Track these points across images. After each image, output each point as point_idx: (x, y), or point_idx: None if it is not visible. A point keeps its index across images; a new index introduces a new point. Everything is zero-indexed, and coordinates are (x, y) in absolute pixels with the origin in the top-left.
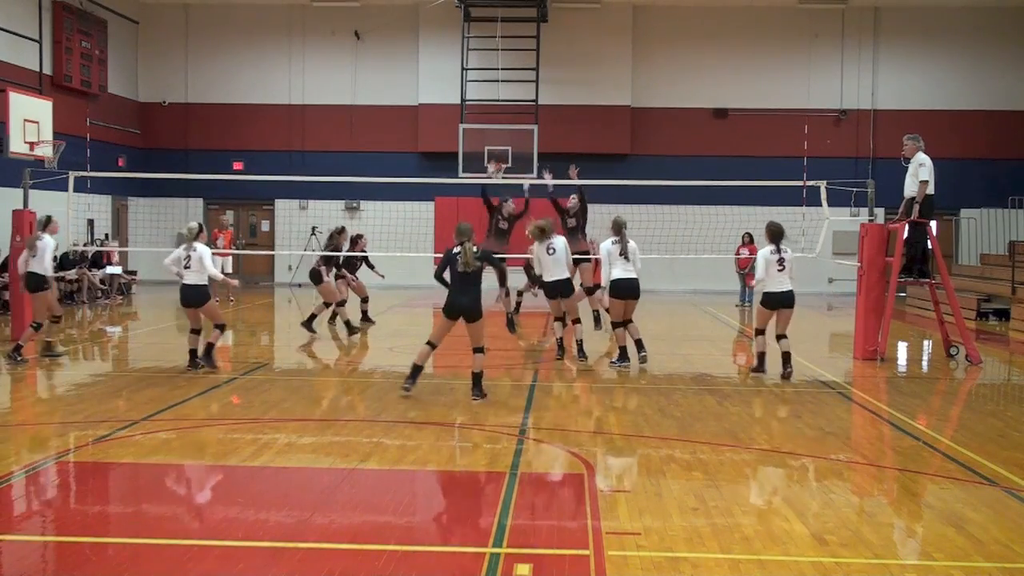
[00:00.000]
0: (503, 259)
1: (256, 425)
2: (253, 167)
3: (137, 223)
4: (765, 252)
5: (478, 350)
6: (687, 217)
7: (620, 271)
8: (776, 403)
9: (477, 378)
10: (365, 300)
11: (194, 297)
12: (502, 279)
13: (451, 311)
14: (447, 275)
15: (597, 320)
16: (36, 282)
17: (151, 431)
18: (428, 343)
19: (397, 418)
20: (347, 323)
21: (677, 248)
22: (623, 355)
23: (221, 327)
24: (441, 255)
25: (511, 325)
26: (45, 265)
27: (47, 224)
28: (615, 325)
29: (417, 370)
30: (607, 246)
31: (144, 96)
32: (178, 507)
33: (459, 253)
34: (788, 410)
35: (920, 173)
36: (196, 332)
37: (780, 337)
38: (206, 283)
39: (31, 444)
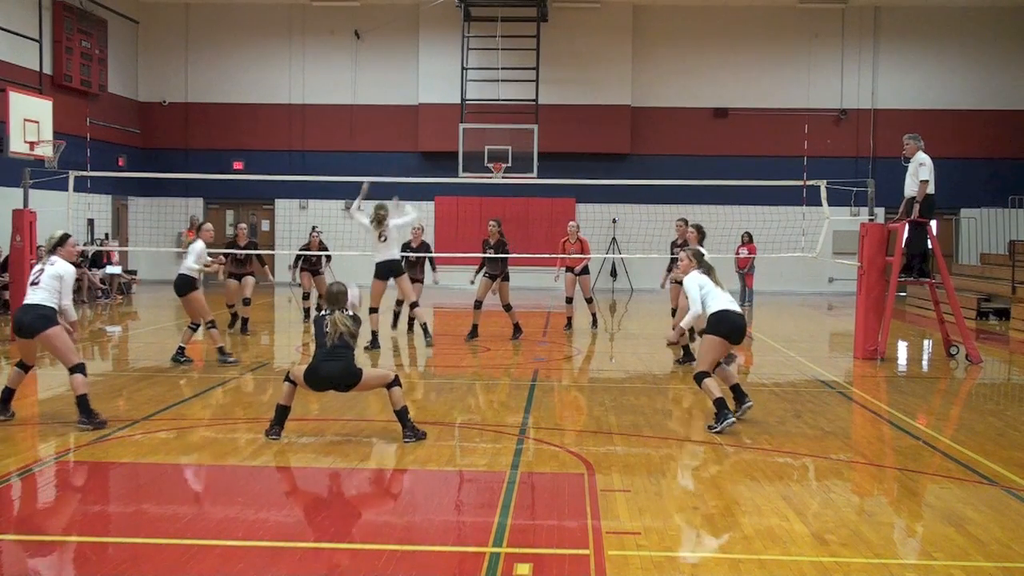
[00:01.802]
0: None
1: (256, 425)
2: (253, 167)
3: (137, 223)
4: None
5: (390, 386)
6: (687, 217)
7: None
8: (776, 403)
9: (403, 416)
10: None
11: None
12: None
13: (317, 382)
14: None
15: (594, 321)
16: (182, 284)
17: (151, 431)
18: (289, 380)
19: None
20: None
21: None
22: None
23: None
24: (442, 254)
25: (516, 333)
26: (189, 265)
27: (199, 228)
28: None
29: (284, 413)
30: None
31: (144, 96)
32: (178, 507)
33: (326, 317)
34: (788, 410)
35: (920, 173)
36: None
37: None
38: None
39: (31, 444)
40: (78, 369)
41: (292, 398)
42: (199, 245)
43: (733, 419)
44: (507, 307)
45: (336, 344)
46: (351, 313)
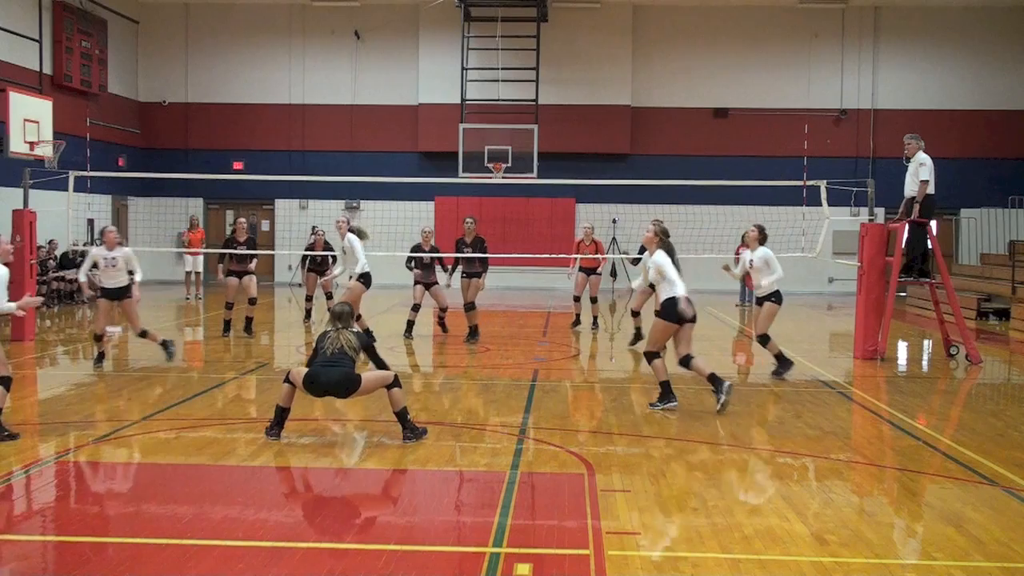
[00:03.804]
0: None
1: (256, 425)
2: (253, 167)
3: (137, 223)
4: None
5: (390, 387)
6: (687, 217)
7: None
8: (776, 403)
9: (402, 417)
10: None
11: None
12: (382, 367)
13: (315, 389)
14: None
15: (595, 323)
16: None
17: (151, 431)
18: (288, 381)
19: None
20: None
21: (677, 248)
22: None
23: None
24: (443, 254)
25: (472, 335)
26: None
27: (102, 232)
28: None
29: (283, 414)
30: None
31: (144, 96)
32: (178, 507)
33: (329, 333)
34: (788, 410)
35: (920, 173)
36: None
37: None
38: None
39: (31, 444)
40: (2, 382)
41: (291, 399)
42: (91, 251)
43: (675, 403)
44: (470, 306)
45: (335, 352)
46: (356, 330)
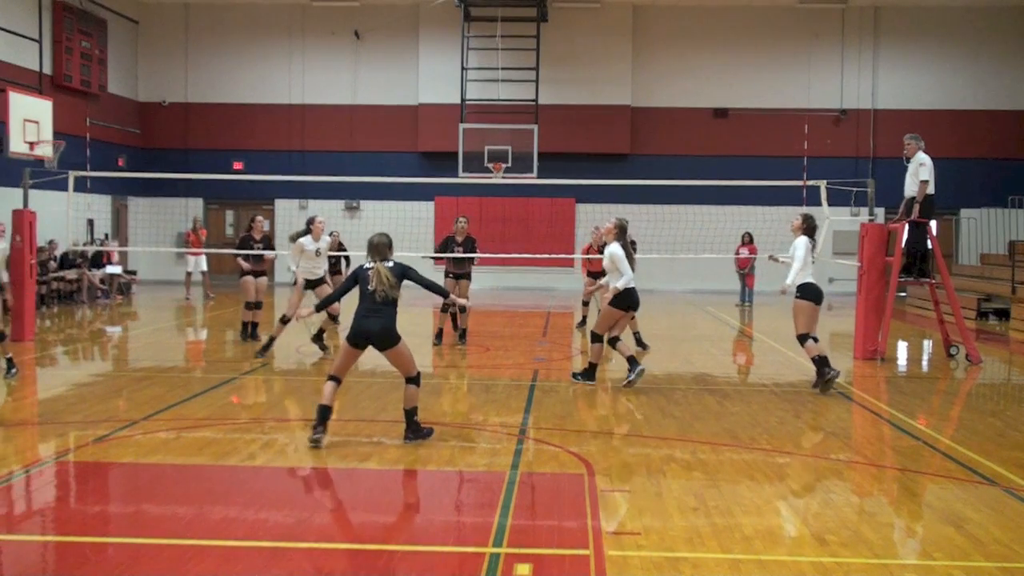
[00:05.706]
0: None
1: (256, 425)
2: (253, 167)
3: (137, 223)
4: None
5: (410, 380)
6: (687, 217)
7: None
8: (776, 403)
9: (410, 415)
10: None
11: None
12: (436, 291)
13: (357, 338)
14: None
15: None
16: None
17: (151, 431)
18: (331, 377)
19: (397, 418)
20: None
21: (677, 248)
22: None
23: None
24: (441, 255)
25: (462, 337)
26: None
27: None
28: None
29: (326, 413)
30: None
31: (144, 96)
32: (178, 507)
33: (369, 270)
34: (788, 410)
35: (920, 173)
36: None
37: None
38: None
39: (31, 444)
40: None
41: (334, 397)
42: None
43: (593, 383)
44: (462, 308)
45: (379, 300)
46: (391, 263)
